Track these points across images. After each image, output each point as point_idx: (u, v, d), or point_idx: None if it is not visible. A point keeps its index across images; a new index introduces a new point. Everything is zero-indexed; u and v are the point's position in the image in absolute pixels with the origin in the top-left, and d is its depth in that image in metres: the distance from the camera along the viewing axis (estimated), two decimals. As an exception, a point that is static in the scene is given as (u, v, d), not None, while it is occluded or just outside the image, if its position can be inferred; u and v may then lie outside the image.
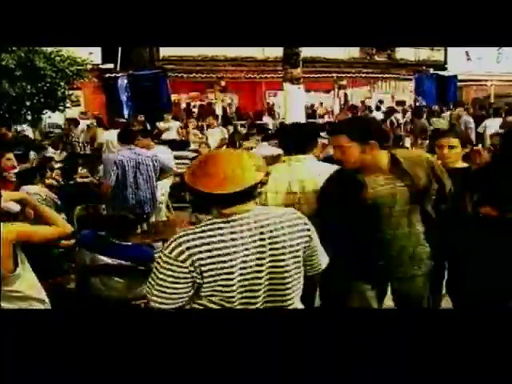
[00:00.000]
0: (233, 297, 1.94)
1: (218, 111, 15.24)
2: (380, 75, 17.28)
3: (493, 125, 10.34)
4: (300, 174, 2.85)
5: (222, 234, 1.85)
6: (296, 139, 3.02)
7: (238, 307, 1.99)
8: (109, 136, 8.82)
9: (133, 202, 5.46)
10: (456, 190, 2.61)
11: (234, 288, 1.91)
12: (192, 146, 9.85)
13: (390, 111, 13.77)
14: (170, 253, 1.84)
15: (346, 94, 17.69)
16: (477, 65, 17.90)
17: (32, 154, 8.12)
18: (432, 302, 2.94)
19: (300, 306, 2.11)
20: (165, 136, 10.52)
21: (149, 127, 10.77)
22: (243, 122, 13.39)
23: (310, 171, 2.87)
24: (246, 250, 1.86)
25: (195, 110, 16.91)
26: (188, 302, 1.98)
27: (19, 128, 10.67)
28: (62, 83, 9.87)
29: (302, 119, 7.77)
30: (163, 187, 6.16)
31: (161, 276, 1.87)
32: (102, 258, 3.94)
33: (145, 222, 4.98)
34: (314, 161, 2.97)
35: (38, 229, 2.52)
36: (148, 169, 5.54)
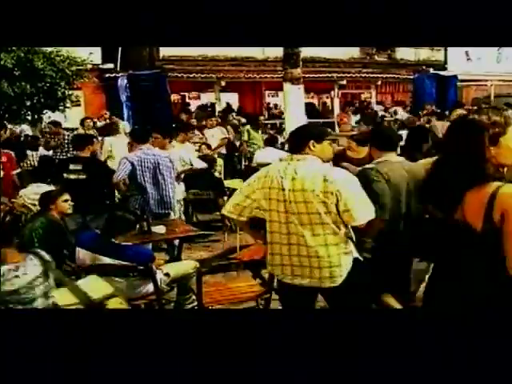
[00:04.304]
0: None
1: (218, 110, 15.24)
2: (380, 75, 17.28)
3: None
4: (294, 172, 2.86)
5: None
6: (294, 140, 3.05)
7: None
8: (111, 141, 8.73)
9: (158, 202, 5.55)
10: None
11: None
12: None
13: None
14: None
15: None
16: (477, 65, 17.89)
17: (30, 154, 8.12)
18: None
19: None
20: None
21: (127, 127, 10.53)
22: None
23: (304, 170, 2.87)
24: None
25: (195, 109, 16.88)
26: None
27: (19, 128, 10.65)
28: (62, 83, 9.85)
29: (302, 119, 7.77)
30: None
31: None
32: (102, 257, 3.95)
33: (145, 222, 4.98)
34: (315, 161, 2.94)
35: None
36: (166, 169, 5.62)
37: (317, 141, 2.97)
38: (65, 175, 5.66)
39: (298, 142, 2.99)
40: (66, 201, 4.67)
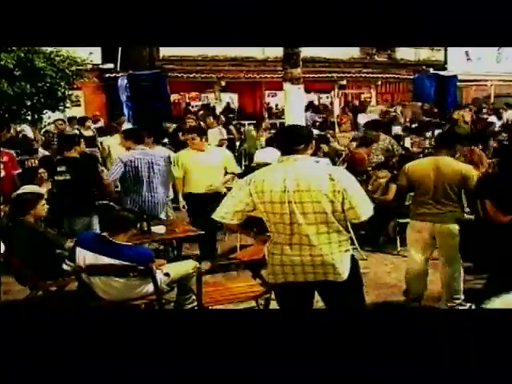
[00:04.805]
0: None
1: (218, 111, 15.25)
2: (380, 75, 17.28)
3: None
4: (295, 173, 2.88)
5: None
6: (290, 140, 3.01)
7: None
8: (108, 141, 8.74)
9: (149, 203, 5.52)
10: None
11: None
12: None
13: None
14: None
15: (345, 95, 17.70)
16: (477, 65, 17.89)
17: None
18: None
19: None
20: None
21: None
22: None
23: (306, 170, 2.89)
24: None
25: (195, 109, 16.89)
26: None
27: (19, 128, 10.64)
28: (62, 83, 9.84)
29: (302, 119, 7.76)
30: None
31: None
32: (102, 257, 3.95)
33: (145, 221, 4.97)
34: (311, 160, 2.99)
35: None
36: (160, 169, 5.58)
37: (314, 141, 3.09)
38: (55, 177, 5.57)
39: (304, 143, 2.98)
40: (43, 204, 4.61)
